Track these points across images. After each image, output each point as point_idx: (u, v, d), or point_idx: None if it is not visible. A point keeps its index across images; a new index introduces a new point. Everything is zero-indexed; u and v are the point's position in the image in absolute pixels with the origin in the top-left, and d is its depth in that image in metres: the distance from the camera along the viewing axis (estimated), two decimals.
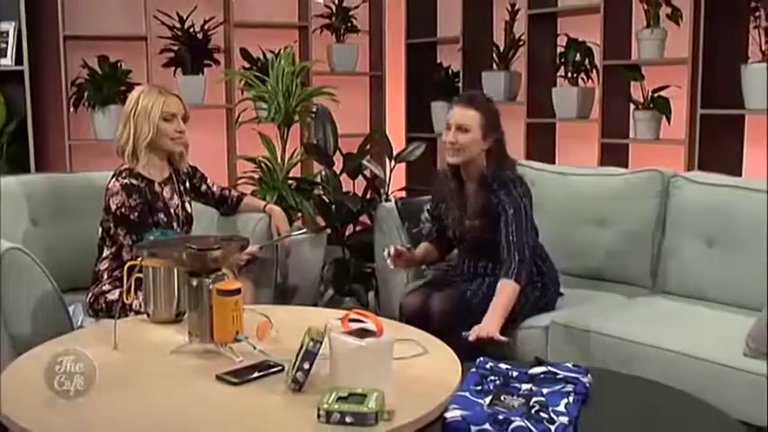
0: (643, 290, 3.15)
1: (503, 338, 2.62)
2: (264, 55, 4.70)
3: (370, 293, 4.00)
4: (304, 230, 3.43)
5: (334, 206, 3.77)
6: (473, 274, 2.99)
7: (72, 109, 4.35)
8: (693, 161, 3.78)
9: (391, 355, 1.86)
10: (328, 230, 3.86)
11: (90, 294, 2.84)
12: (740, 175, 3.72)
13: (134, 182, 2.79)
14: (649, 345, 2.59)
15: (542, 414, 1.77)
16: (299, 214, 3.83)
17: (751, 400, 2.30)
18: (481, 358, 2.08)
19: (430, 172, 5.17)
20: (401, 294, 3.06)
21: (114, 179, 2.80)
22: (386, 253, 2.96)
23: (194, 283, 2.11)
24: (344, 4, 4.94)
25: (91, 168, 3.41)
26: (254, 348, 2.05)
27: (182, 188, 2.99)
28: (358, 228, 4.25)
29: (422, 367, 2.00)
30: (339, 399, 1.69)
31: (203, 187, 3.13)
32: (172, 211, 2.90)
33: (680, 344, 2.54)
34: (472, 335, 2.60)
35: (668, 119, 3.94)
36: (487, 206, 2.86)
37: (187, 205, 2.99)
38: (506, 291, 2.74)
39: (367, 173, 4.30)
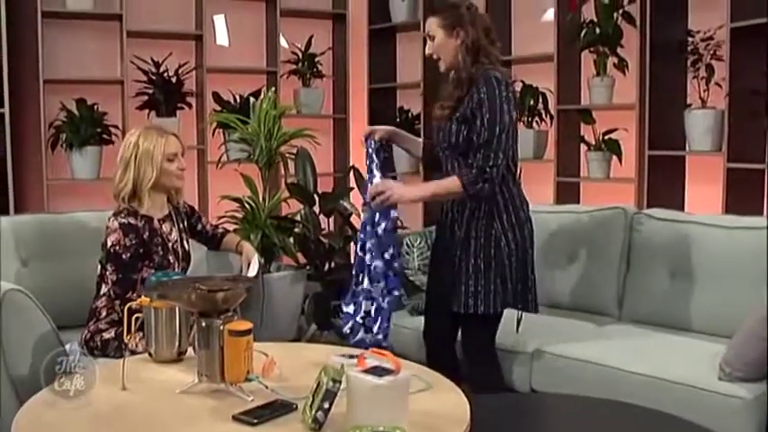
0: (610, 319, 3.16)
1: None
2: (235, 98, 4.65)
3: None
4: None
5: (314, 244, 3.69)
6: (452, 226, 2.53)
7: (50, 150, 4.21)
8: (643, 198, 3.85)
9: (407, 392, 1.80)
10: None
11: (86, 332, 2.69)
12: (683, 209, 3.79)
13: (132, 221, 2.68)
14: (624, 370, 2.59)
15: None
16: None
17: (725, 421, 2.30)
18: None
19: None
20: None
21: (114, 218, 2.69)
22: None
23: (204, 323, 2.01)
24: (311, 50, 4.92)
25: (77, 209, 3.26)
26: (267, 388, 1.96)
27: (181, 226, 2.88)
28: (333, 264, 4.17)
29: (427, 402, 1.93)
30: None
31: (199, 226, 3.03)
32: (170, 245, 2.77)
33: (652, 368, 2.54)
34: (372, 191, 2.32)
35: (620, 159, 4.00)
36: (457, 106, 2.39)
37: (185, 242, 2.88)
38: (446, 181, 2.36)
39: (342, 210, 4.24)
